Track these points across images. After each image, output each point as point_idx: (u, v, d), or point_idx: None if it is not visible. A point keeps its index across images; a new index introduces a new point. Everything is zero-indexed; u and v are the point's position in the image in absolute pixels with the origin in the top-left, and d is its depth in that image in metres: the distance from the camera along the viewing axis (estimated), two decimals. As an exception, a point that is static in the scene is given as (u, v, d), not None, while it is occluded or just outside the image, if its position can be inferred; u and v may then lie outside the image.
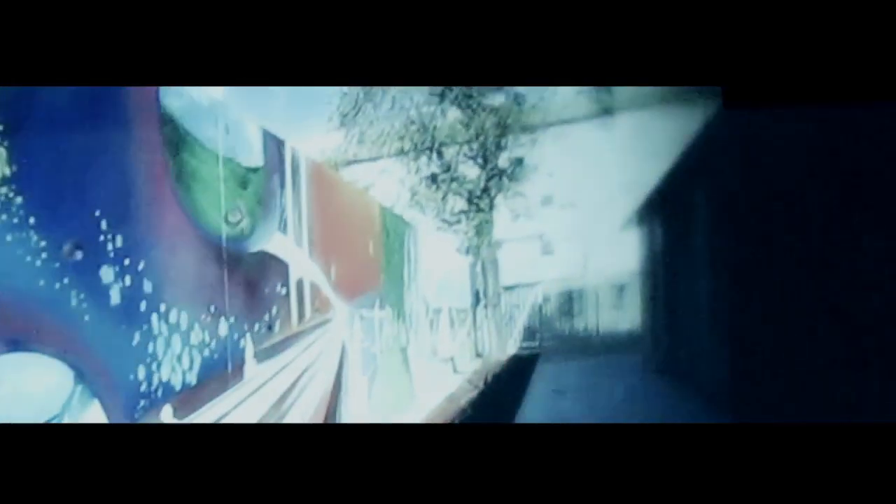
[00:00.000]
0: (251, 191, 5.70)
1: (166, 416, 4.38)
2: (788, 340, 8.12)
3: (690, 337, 11.34)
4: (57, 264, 3.53)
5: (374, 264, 9.47)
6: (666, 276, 13.15)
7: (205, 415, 4.85)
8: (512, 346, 23.43)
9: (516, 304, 24.27)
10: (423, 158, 19.78)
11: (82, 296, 3.69)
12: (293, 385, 6.30)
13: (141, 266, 4.20)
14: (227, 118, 5.22)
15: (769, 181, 8.24)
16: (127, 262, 4.06)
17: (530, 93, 18.97)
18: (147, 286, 4.26)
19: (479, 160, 19.23)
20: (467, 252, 20.43)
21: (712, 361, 9.73)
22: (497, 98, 18.98)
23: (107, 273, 3.90)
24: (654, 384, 12.70)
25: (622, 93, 17.51)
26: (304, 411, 6.48)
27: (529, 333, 24.11)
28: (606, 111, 19.83)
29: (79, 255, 3.68)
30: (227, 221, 5.25)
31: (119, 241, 4.01)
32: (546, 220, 31.32)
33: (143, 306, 4.21)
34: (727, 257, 9.13)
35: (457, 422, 9.87)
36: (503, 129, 18.77)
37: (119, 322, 4.00)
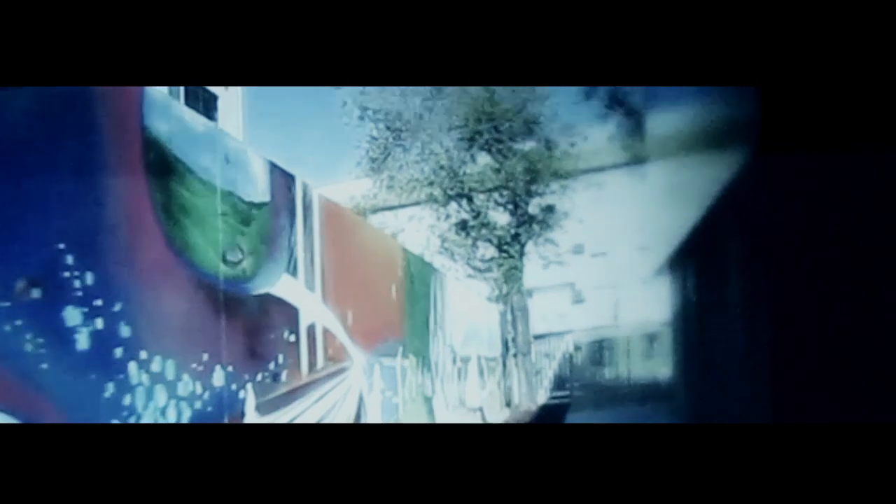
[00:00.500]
0: (254, 228, 5.14)
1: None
2: (829, 392, 7.40)
3: (724, 387, 10.56)
4: (8, 303, 2.98)
5: (396, 310, 8.86)
6: (698, 325, 12.38)
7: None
8: (542, 396, 22.64)
9: (546, 353, 23.50)
10: (453, 205, 19.26)
11: (39, 340, 3.12)
12: (301, 440, 5.67)
13: (117, 308, 3.64)
14: (226, 147, 4.68)
15: (805, 229, 7.57)
16: (99, 302, 3.50)
17: (561, 139, 18.44)
18: (124, 330, 3.69)
19: (510, 206, 18.69)
20: (497, 300, 19.78)
21: (748, 412, 8.96)
22: (527, 143, 18.48)
23: (72, 315, 3.33)
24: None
25: (653, 140, 16.95)
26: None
27: (559, 383, 23.30)
28: (638, 159, 19.16)
29: (35, 293, 3.12)
30: (225, 261, 4.68)
31: (89, 278, 3.45)
32: (577, 269, 30.86)
33: (118, 353, 3.64)
34: (762, 306, 8.43)
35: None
36: (533, 174, 18.24)
37: (87, 371, 3.42)
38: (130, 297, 3.75)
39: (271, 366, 5.21)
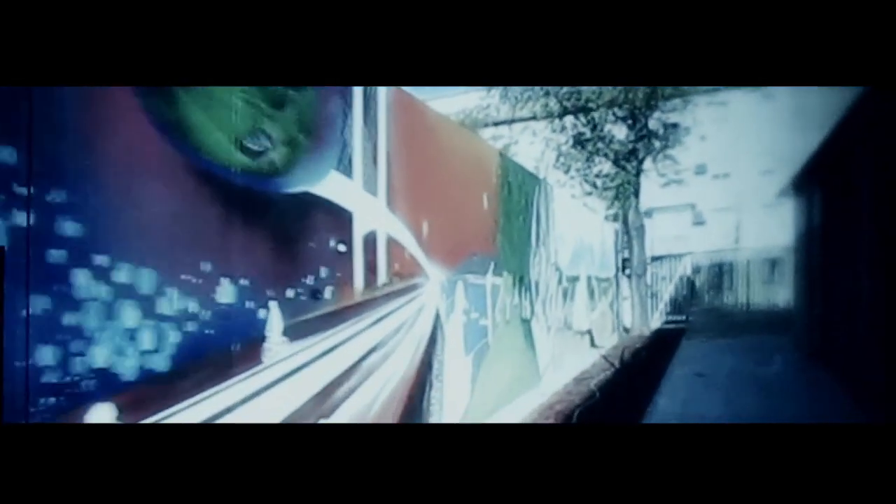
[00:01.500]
0: (290, 113, 4.02)
1: (103, 415, 2.80)
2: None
3: (845, 321, 9.04)
4: None
5: (488, 223, 7.67)
6: (822, 252, 10.76)
7: (193, 411, 3.25)
8: (657, 320, 21.12)
9: (663, 275, 21.85)
10: (569, 118, 17.66)
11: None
12: (355, 367, 4.63)
13: (53, 197, 2.61)
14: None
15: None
16: (22, 190, 2.48)
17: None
18: (67, 228, 2.66)
19: (628, 121, 16.94)
20: (613, 218, 18.26)
21: (868, 352, 7.52)
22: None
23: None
24: (804, 372, 10.33)
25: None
26: (367, 399, 4.80)
27: (675, 307, 21.66)
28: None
29: None
30: (242, 148, 3.59)
31: (9, 155, 2.43)
32: (698, 190, 28.72)
33: (54, 257, 2.62)
34: (888, 238, 6.98)
35: (581, 407, 7.99)
36: (654, 89, 16.38)
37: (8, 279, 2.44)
38: (78, 184, 2.71)
39: (308, 280, 4.13)
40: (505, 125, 20.18)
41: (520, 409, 7.99)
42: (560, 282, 11.49)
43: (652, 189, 19.46)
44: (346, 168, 4.61)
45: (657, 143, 17.40)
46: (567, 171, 18.36)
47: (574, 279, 12.73)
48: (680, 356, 12.78)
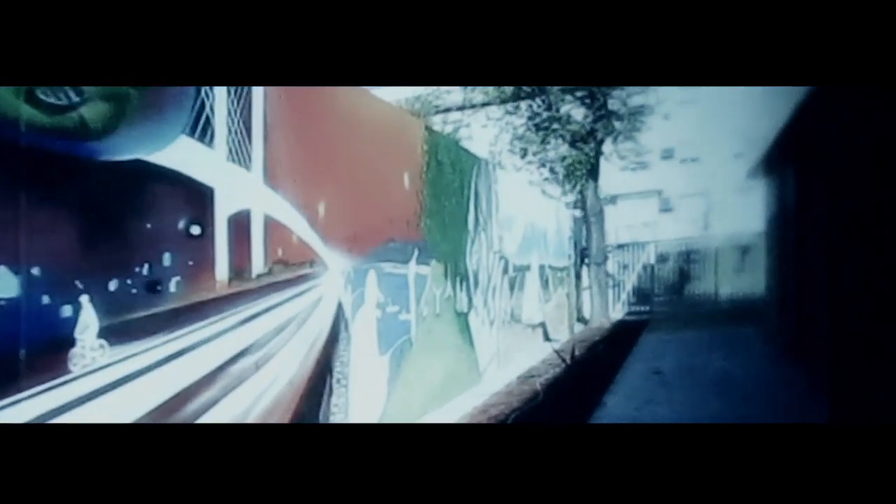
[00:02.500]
0: (113, 60, 3.31)
1: None
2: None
3: (820, 313, 8.51)
4: None
5: (411, 204, 7.01)
6: (796, 238, 10.27)
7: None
8: (619, 311, 20.63)
9: (625, 263, 21.36)
10: (523, 98, 17.05)
11: None
12: (216, 374, 3.96)
13: None
14: None
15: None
16: None
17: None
18: None
19: (587, 100, 16.33)
20: (574, 205, 17.70)
21: (845, 348, 7.01)
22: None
23: None
24: (774, 369, 9.82)
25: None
26: (235, 411, 4.13)
27: (639, 298, 21.18)
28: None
29: None
30: (32, 99, 2.90)
31: None
32: (665, 174, 28.37)
33: None
34: (865, 222, 6.47)
35: (519, 411, 7.37)
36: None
37: None
38: None
39: (142, 269, 3.44)
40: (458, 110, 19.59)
41: (450, 413, 7.36)
42: (506, 271, 10.88)
43: (616, 174, 18.95)
44: (203, 134, 3.93)
45: (617, 125, 16.81)
46: (523, 156, 17.74)
47: (523, 268, 12.14)
48: (639, 351, 12.25)
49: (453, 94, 20.06)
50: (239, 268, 4.22)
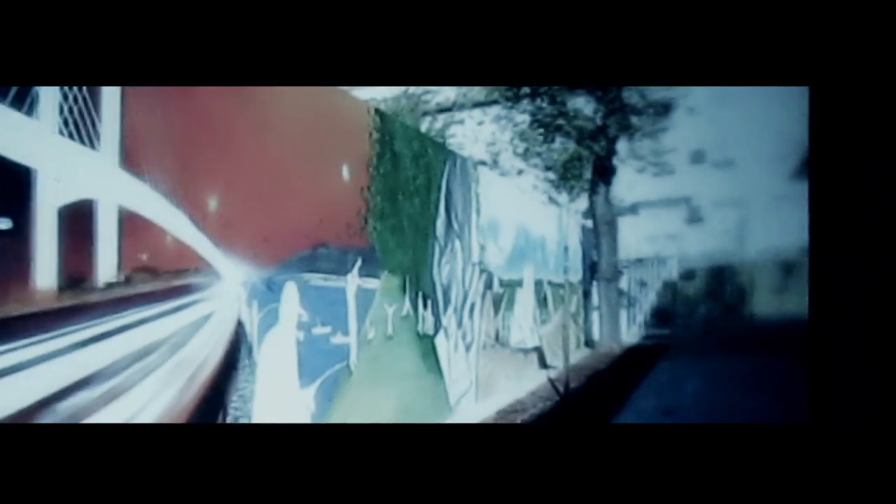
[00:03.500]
0: None
1: None
2: None
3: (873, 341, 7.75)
4: None
5: (352, 203, 6.37)
6: (847, 255, 9.47)
7: None
8: (634, 335, 19.91)
9: (643, 280, 20.67)
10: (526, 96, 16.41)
11: None
12: (32, 410, 3.33)
13: None
14: None
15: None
16: None
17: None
18: None
19: (597, 92, 15.65)
20: (587, 214, 17.05)
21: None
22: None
23: None
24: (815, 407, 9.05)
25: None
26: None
27: (661, 319, 20.46)
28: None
29: None
30: None
31: None
32: (694, 180, 27.61)
33: None
34: None
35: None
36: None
37: None
38: None
39: None
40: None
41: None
42: (489, 286, 10.22)
43: (637, 180, 18.30)
44: (20, 100, 3.31)
45: (634, 120, 16.12)
46: (525, 157, 17.07)
47: (513, 283, 11.48)
48: (650, 382, 11.57)
49: (446, 90, 19.45)
50: (76, 275, 3.59)
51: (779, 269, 20.62)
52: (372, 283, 6.61)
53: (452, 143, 17.55)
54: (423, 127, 17.50)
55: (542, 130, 16.12)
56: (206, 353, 4.51)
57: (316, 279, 5.73)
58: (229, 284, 4.71)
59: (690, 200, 28.02)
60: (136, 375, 3.96)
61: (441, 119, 18.49)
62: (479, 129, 17.67)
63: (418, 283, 7.64)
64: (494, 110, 17.42)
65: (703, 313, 21.05)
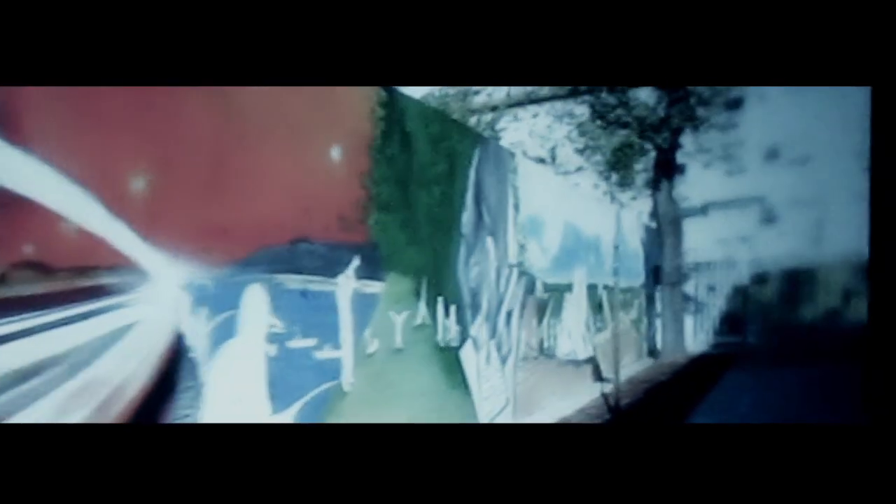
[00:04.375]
0: None
1: None
2: None
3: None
4: None
5: (348, 192, 5.41)
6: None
7: None
8: (701, 343, 18.61)
9: (713, 285, 19.37)
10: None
11: None
12: None
13: None
14: None
15: None
16: None
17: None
18: None
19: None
20: (652, 216, 15.90)
21: None
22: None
23: None
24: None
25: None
26: None
27: (731, 327, 19.14)
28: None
29: None
30: None
31: None
32: (768, 179, 26.20)
33: None
34: None
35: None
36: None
37: None
38: None
39: None
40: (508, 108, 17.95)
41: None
42: (531, 291, 9.19)
43: (707, 178, 17.17)
44: None
45: (701, 112, 14.92)
46: (583, 153, 15.99)
47: (561, 288, 10.43)
48: (715, 396, 10.43)
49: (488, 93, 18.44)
50: None
51: (856, 271, 19.35)
52: (373, 287, 5.65)
53: (504, 138, 16.55)
54: (472, 121, 16.47)
55: (600, 122, 15.01)
56: (128, 372, 3.58)
57: (294, 281, 4.79)
58: (163, 287, 3.79)
59: (764, 200, 26.61)
60: (21, 400, 3.06)
61: (490, 112, 17.48)
62: (533, 122, 16.62)
63: (438, 287, 6.66)
64: (550, 102, 16.42)
65: (776, 319, 19.66)
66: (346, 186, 5.37)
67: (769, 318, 19.77)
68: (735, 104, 16.39)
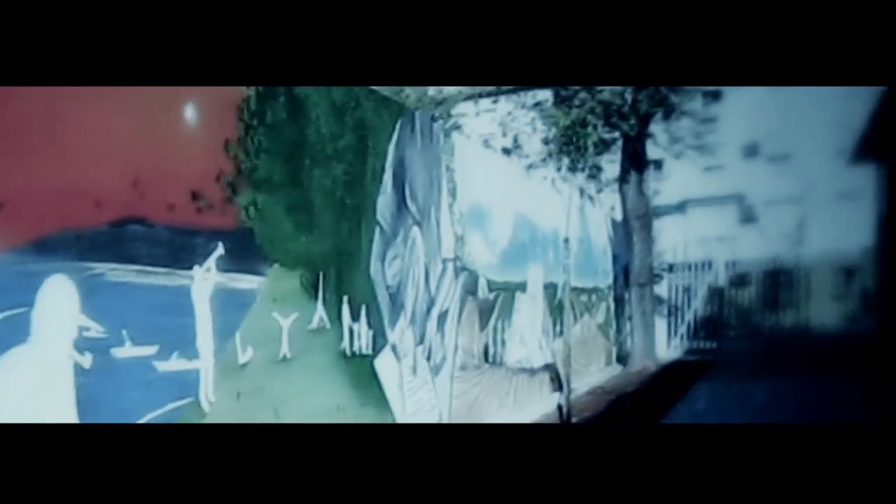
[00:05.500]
0: None
1: None
2: None
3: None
4: None
5: (204, 163, 4.44)
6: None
7: None
8: (674, 349, 17.79)
9: (688, 286, 18.60)
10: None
11: None
12: None
13: None
14: None
15: None
16: None
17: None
18: None
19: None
20: (623, 212, 15.05)
21: None
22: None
23: None
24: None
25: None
26: None
27: (707, 331, 18.36)
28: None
29: None
30: None
31: None
32: (747, 176, 25.63)
33: None
34: None
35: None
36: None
37: None
38: None
39: None
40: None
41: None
42: (472, 291, 8.24)
43: (684, 175, 16.53)
44: None
45: (674, 98, 14.05)
46: (548, 143, 15.13)
47: (511, 287, 9.48)
48: (682, 407, 9.55)
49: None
50: None
51: (840, 273, 18.99)
52: (246, 282, 4.68)
53: (464, 126, 15.70)
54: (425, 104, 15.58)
55: (563, 106, 14.10)
56: None
57: (122, 273, 3.80)
58: None
59: (743, 198, 26.06)
60: None
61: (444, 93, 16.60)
62: (493, 107, 15.76)
63: (342, 285, 5.70)
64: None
65: (754, 324, 19.03)
66: (202, 156, 4.38)
67: (747, 321, 19.17)
68: (713, 96, 15.70)
